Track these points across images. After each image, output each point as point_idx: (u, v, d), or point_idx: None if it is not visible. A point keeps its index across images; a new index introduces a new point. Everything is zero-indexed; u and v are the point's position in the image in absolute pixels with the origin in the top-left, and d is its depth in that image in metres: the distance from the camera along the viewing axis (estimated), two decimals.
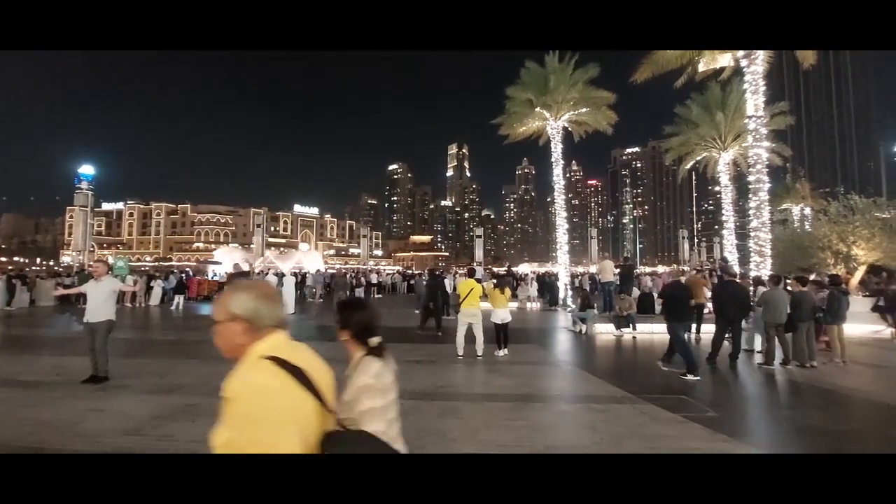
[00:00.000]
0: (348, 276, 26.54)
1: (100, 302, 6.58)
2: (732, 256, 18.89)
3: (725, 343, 8.59)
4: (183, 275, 23.43)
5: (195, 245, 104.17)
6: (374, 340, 1.84)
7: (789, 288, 9.25)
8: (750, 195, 12.74)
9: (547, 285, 22.35)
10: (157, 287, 20.55)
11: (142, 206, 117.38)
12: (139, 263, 71.34)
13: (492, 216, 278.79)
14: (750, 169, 13.07)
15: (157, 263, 78.78)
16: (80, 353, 6.74)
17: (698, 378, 7.18)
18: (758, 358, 8.72)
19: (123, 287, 12.73)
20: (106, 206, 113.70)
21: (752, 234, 12.56)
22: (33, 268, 66.59)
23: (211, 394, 5.99)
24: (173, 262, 74.26)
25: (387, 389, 1.79)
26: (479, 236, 33.67)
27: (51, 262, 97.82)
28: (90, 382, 6.33)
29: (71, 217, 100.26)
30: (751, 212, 12.66)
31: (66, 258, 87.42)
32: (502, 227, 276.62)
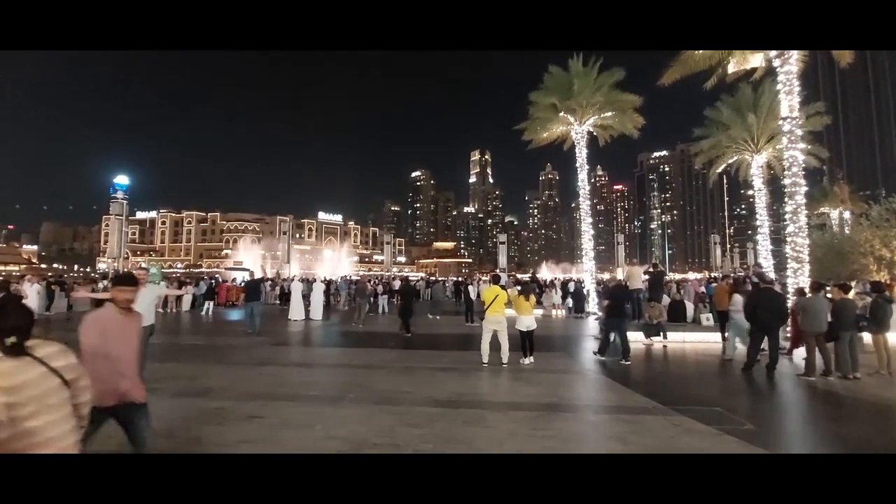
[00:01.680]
0: (371, 283, 26.60)
1: (144, 307, 6.77)
2: (767, 263, 18.21)
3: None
4: (213, 281, 24.03)
5: (224, 252, 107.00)
6: (10, 340, 1.89)
7: (829, 296, 8.86)
8: (786, 199, 12.23)
9: (573, 292, 21.99)
10: (188, 293, 21.11)
11: (174, 215, 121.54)
12: (171, 270, 73.72)
13: (515, 222, 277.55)
14: (785, 172, 12.56)
15: (187, 270, 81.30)
16: None
17: (629, 363, 8.86)
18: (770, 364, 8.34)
19: (169, 292, 13.26)
20: (140, 215, 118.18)
21: (788, 239, 12.04)
22: (71, 274, 69.63)
23: (239, 398, 6.11)
24: (203, 269, 76.48)
25: (11, 390, 1.83)
26: (503, 243, 33.40)
27: (87, 269, 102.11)
28: None
29: (107, 225, 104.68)
30: (787, 216, 12.15)
31: (102, 265, 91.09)
32: (526, 234, 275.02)
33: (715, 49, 12.49)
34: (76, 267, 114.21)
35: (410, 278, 19.99)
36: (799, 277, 11.69)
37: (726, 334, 10.81)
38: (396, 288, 30.07)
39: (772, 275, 15.25)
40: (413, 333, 12.29)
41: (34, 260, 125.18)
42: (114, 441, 3.54)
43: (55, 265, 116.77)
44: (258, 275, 16.42)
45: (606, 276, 48.89)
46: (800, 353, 8.63)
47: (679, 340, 11.33)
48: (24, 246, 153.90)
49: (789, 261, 12.02)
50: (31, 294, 14.43)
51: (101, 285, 19.51)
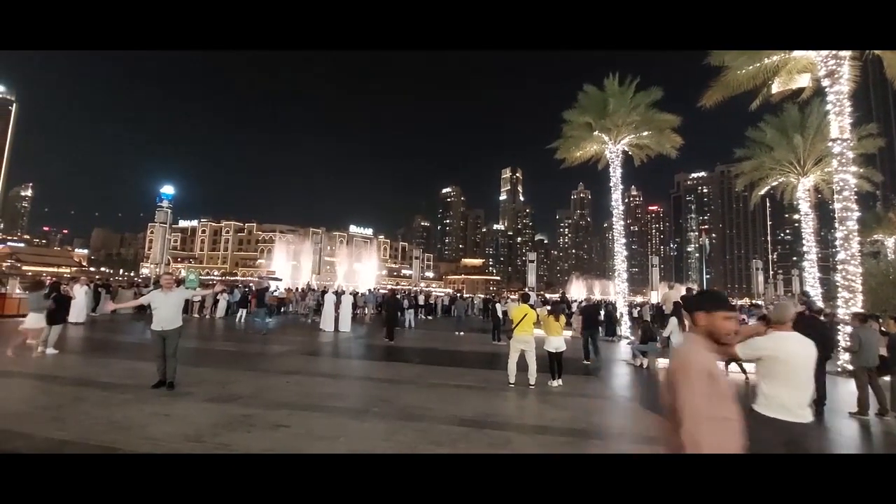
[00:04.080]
0: (398, 296, 26.62)
1: (171, 311, 6.99)
2: (815, 291, 17.25)
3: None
4: (246, 289, 24.68)
5: (258, 262, 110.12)
6: None
7: (883, 329, 8.31)
8: (836, 224, 11.61)
9: (604, 314, 21.42)
10: (223, 300, 21.73)
11: (213, 224, 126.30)
12: (208, 277, 76.38)
13: (545, 241, 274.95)
14: (835, 196, 11.96)
15: (223, 277, 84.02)
16: (151, 359, 7.15)
17: (589, 362, 11.10)
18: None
19: (197, 292, 14.55)
20: (182, 224, 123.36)
21: (839, 267, 11.38)
22: (116, 278, 73.17)
23: (267, 405, 6.17)
24: (238, 277, 78.87)
25: None
26: (532, 261, 32.85)
27: (132, 273, 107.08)
28: (158, 388, 6.69)
29: (151, 232, 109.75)
30: (837, 243, 11.51)
31: (145, 270, 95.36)
32: (556, 253, 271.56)
33: (767, 49, 12.08)
34: (121, 271, 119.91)
35: (396, 292, 20.75)
36: (851, 308, 11.02)
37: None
38: (422, 303, 30.24)
39: (820, 304, 14.43)
40: (441, 350, 12.21)
41: (84, 263, 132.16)
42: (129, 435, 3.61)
43: (102, 269, 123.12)
44: (264, 284, 17.66)
45: (640, 298, 47.69)
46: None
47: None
48: (76, 249, 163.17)
49: (840, 290, 11.38)
50: (80, 295, 15.17)
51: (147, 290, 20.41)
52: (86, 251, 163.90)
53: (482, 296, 50.61)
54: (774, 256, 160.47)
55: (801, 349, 3.13)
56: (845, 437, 6.56)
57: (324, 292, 22.24)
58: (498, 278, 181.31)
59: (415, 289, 35.16)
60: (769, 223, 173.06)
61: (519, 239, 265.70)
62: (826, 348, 7.91)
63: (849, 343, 8.45)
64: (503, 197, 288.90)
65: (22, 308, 15.58)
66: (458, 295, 42.88)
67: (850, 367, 10.49)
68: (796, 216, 21.25)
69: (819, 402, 7.47)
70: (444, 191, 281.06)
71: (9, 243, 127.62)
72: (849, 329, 10.74)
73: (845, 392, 8.62)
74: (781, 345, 3.12)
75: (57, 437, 4.61)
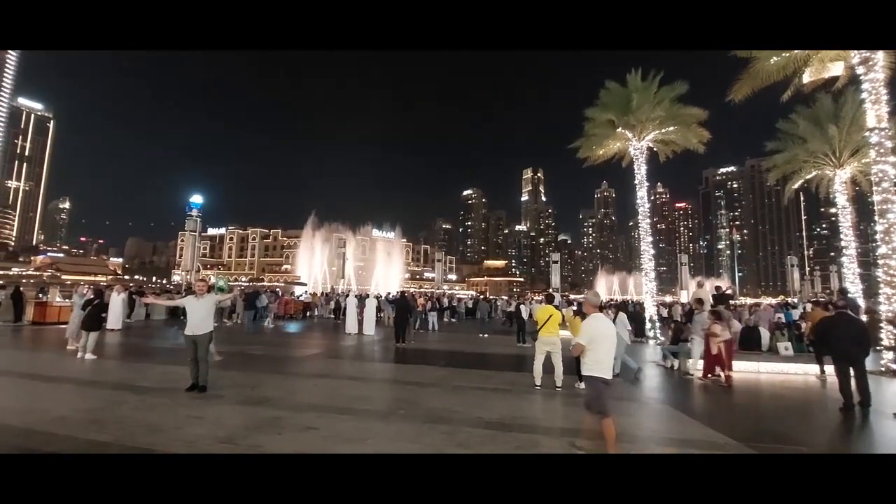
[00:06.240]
0: (421, 299, 26.44)
1: (202, 316, 7.18)
2: (855, 287, 16.50)
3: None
4: (273, 295, 25.20)
5: (284, 267, 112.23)
6: None
7: None
8: (876, 217, 11.08)
9: (632, 315, 20.99)
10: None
11: (240, 231, 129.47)
12: (236, 283, 78.29)
13: (569, 241, 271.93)
14: (874, 188, 11.43)
15: (251, 283, 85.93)
16: (184, 363, 7.36)
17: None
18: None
19: (221, 297, 15.05)
20: (211, 231, 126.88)
21: (880, 262, 10.85)
22: (150, 285, 75.75)
23: (296, 408, 6.28)
24: (265, 283, 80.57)
25: None
26: (556, 262, 32.47)
27: (164, 281, 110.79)
28: (192, 391, 6.88)
29: (182, 241, 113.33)
30: (877, 237, 10.98)
31: (176, 277, 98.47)
32: (580, 253, 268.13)
33: (799, 49, 11.61)
34: (154, 278, 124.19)
35: (406, 293, 20.84)
36: (893, 304, 10.51)
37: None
38: (445, 305, 30.28)
39: (861, 301, 13.81)
40: (467, 353, 12.16)
41: (119, 271, 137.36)
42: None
43: (136, 276, 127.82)
44: (255, 288, 18.50)
45: (668, 298, 46.67)
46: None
47: (753, 370, 10.43)
48: (112, 258, 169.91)
49: (881, 286, 10.85)
50: (116, 303, 15.75)
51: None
52: (120, 260, 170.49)
53: (504, 297, 50.37)
54: (810, 252, 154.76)
55: (605, 326, 4.74)
56: (891, 438, 6.23)
57: (346, 296, 22.49)
58: (521, 279, 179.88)
59: (437, 291, 35.24)
60: (804, 218, 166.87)
61: (542, 240, 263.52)
62: (862, 344, 7.46)
63: (892, 341, 8.05)
64: (525, 198, 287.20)
65: (63, 316, 16.26)
66: (482, 297, 42.80)
67: (895, 367, 10.02)
68: (833, 210, 20.42)
69: (864, 402, 7.11)
70: (465, 193, 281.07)
71: (49, 254, 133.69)
72: (892, 327, 10.26)
73: (889, 392, 8.22)
74: (595, 323, 4.71)
75: (98, 439, 4.79)
